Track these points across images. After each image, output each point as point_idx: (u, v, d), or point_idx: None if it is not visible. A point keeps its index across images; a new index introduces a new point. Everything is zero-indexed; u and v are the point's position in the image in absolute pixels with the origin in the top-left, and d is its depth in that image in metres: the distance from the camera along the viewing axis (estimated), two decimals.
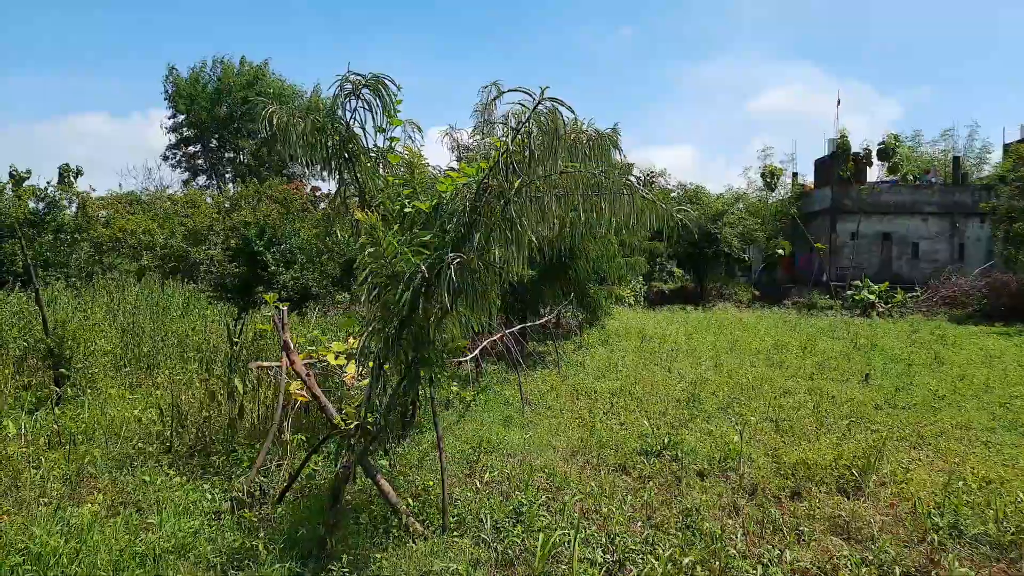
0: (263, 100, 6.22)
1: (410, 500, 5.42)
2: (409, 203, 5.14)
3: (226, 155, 42.97)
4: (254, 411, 7.39)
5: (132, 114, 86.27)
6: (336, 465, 4.96)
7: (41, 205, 16.21)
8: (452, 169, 5.49)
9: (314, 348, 6.98)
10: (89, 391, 8.30)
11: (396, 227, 4.82)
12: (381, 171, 6.37)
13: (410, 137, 6.55)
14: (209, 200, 31.42)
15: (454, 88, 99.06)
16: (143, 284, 16.81)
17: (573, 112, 4.60)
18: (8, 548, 3.97)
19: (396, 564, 4.34)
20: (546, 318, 12.66)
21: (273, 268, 11.44)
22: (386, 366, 4.76)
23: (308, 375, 6.06)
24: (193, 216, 26.34)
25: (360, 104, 6.06)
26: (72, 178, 31.35)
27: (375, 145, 6.34)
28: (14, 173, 24.80)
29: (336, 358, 6.85)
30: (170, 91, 40.58)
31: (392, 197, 5.99)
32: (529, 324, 11.78)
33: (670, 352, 14.56)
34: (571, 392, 10.23)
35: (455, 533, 4.87)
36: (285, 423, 6.43)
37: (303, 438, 6.60)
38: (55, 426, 6.88)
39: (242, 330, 9.61)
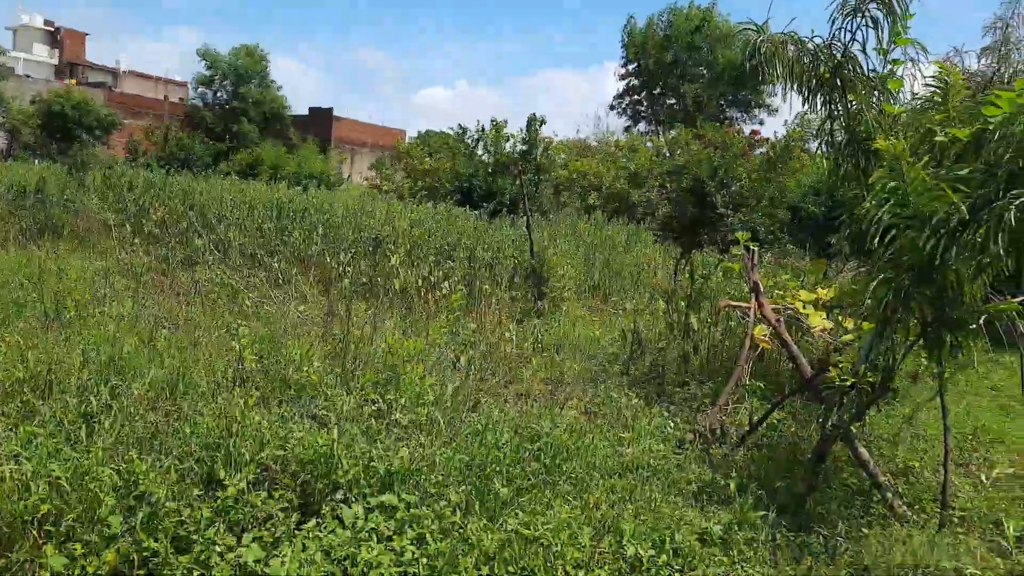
0: (751, 27, 5.88)
1: (890, 477, 4.73)
2: (941, 130, 4.25)
3: (667, 102, 44.33)
4: (705, 349, 7.41)
5: (590, 68, 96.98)
6: (816, 422, 4.55)
7: (523, 147, 18.94)
8: (1002, 88, 4.36)
9: (782, 293, 6.57)
10: (559, 310, 9.38)
11: (926, 159, 4.03)
12: (875, 99, 5.58)
13: (911, 60, 5.56)
14: (649, 145, 32.87)
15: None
16: (591, 221, 18.50)
17: None
18: (521, 431, 4.60)
19: (886, 547, 3.78)
20: None
21: (722, 210, 11.31)
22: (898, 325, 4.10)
23: (778, 321, 5.71)
24: (633, 160, 27.93)
25: (863, 22, 5.34)
26: (537, 126, 36.07)
27: (873, 70, 5.55)
28: (495, 121, 29.67)
29: (803, 307, 6.33)
30: (625, 41, 43.26)
31: (889, 129, 5.16)
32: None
33: None
34: None
35: (959, 530, 4.05)
36: (745, 366, 6.23)
37: (760, 385, 6.32)
38: (537, 336, 7.92)
39: (688, 268, 9.73)
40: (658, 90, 43.68)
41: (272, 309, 8.03)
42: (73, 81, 51.61)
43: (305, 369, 5.21)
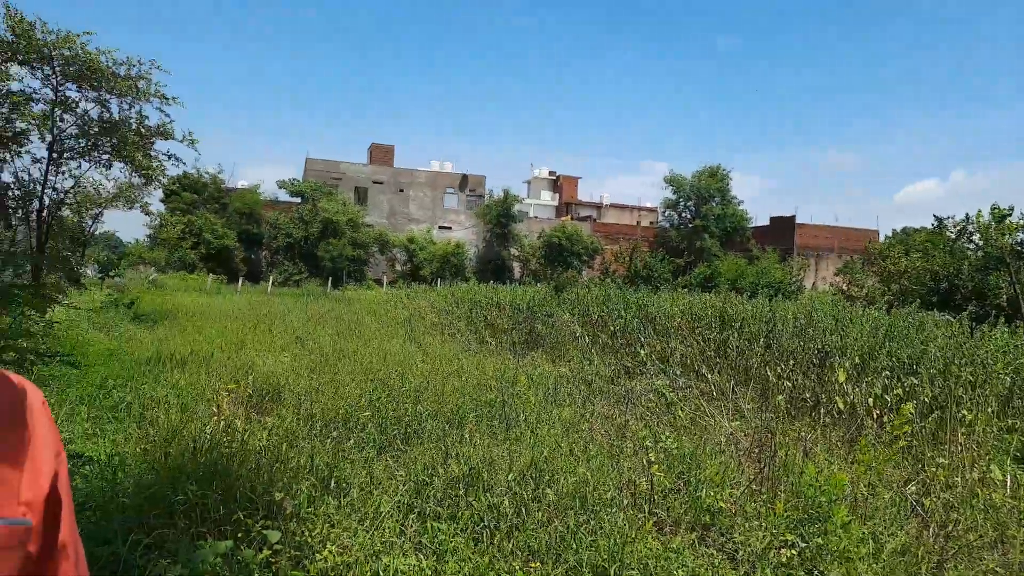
0: None
1: None
2: None
3: None
4: None
5: None
6: None
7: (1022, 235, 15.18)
8: None
9: None
10: None
11: None
12: None
13: None
14: None
15: None
16: None
17: None
18: None
19: None
20: None
21: None
22: None
23: None
24: None
25: None
26: None
27: None
28: (994, 210, 24.61)
29: None
30: None
31: None
32: None
33: None
34: None
35: None
36: None
37: None
38: None
39: None
40: None
41: (705, 423, 7.79)
42: (568, 217, 62.24)
43: (717, 494, 4.78)
